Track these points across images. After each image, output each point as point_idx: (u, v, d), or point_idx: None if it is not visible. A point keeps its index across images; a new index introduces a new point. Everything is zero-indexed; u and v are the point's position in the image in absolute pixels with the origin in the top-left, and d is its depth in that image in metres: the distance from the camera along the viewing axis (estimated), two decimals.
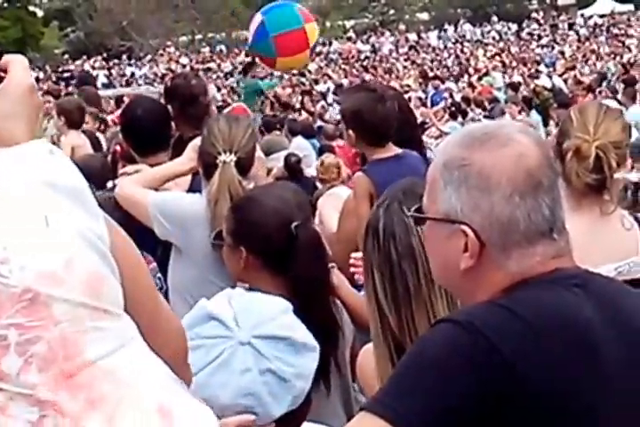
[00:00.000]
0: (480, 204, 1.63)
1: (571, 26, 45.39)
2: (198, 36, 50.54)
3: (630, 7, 52.71)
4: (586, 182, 2.92)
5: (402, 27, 50.90)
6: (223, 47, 46.66)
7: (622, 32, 38.39)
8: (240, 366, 1.83)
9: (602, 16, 47.79)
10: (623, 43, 32.30)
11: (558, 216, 1.68)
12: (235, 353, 1.84)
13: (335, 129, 12.46)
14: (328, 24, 58.53)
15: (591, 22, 46.12)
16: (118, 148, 5.29)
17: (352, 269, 3.22)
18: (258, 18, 6.39)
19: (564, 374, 1.55)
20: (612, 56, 28.47)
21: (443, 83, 24.97)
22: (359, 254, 2.86)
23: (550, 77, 23.57)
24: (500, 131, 1.69)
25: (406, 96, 23.68)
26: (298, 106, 19.40)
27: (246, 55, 21.71)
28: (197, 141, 3.74)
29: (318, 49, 44.19)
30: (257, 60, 7.48)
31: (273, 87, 17.43)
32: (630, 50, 29.45)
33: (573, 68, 24.93)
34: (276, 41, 6.16)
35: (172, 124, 4.45)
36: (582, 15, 50.08)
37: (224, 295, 2.01)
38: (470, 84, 23.47)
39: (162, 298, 1.51)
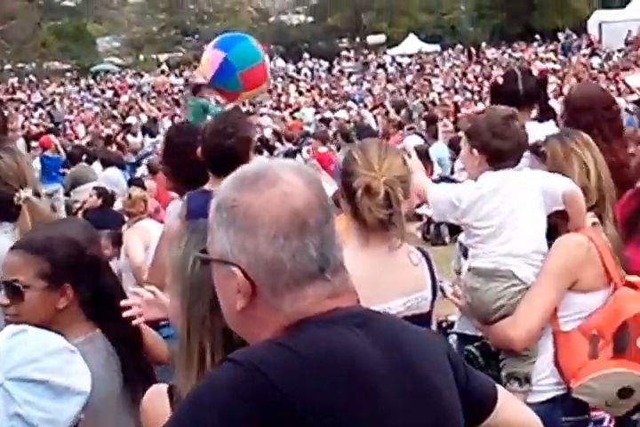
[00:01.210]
0: (247, 245, 1.62)
1: (380, 65, 46.87)
2: (7, 66, 49.29)
3: (436, 47, 55.14)
4: (378, 218, 3.00)
5: None
6: (33, 77, 45.68)
7: (429, 71, 40.07)
8: None
9: (410, 55, 49.58)
10: (429, 81, 33.69)
11: (331, 256, 1.66)
12: None
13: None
14: (142, 57, 58.33)
15: (400, 61, 47.73)
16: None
17: None
18: (218, 54, 6.43)
19: (344, 413, 1.56)
20: (419, 94, 29.61)
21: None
22: None
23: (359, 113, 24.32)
24: (270, 171, 1.67)
25: None
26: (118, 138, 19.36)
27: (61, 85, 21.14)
28: None
29: (130, 82, 43.97)
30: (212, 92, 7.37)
31: (220, 113, 17.35)
32: (433, 89, 30.75)
33: (382, 105, 25.77)
34: (242, 77, 6.29)
35: None
36: (385, 53, 51.96)
37: (4, 332, 2.01)
38: (283, 119, 23.91)
39: None
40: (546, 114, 4.61)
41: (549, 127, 4.33)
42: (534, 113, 4.44)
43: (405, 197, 3.06)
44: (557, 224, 3.50)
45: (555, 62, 34.83)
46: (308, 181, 1.67)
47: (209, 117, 16.62)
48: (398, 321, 1.90)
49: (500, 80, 4.70)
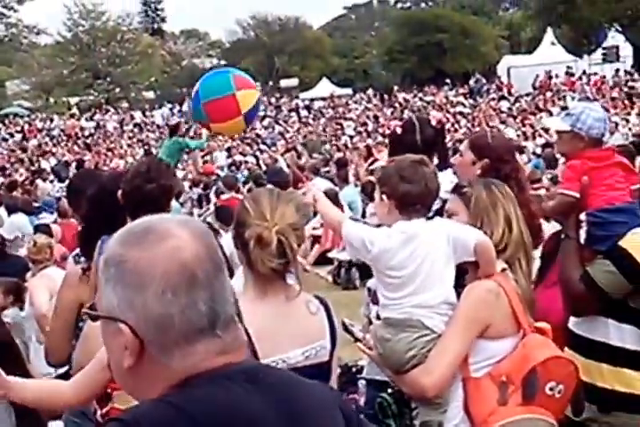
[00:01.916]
0: (134, 301, 1.59)
1: (293, 108, 47.25)
2: None
3: (349, 91, 55.89)
4: (272, 268, 2.98)
5: (127, 104, 51.02)
6: None
7: (341, 115, 40.54)
8: None
9: (322, 99, 50.10)
10: (341, 125, 34.06)
11: (222, 311, 1.64)
12: None
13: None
14: (52, 100, 57.74)
15: (312, 105, 48.18)
16: None
17: None
18: (196, 86, 6.40)
19: None
20: (331, 138, 29.91)
21: None
22: None
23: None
24: (159, 225, 1.66)
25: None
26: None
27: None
28: None
29: (40, 125, 43.38)
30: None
31: (201, 146, 17.37)
32: (345, 132, 31.07)
33: (294, 149, 25.90)
34: (205, 107, 6.20)
35: None
36: (298, 97, 52.44)
37: None
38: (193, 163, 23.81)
39: None
40: (445, 163, 4.66)
41: (448, 176, 4.37)
42: (435, 161, 4.46)
43: (300, 244, 3.06)
44: (467, 270, 3.51)
45: (465, 106, 35.56)
46: (197, 235, 1.66)
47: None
48: (290, 376, 1.87)
49: (399, 130, 4.72)
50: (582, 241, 4.02)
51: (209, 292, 1.62)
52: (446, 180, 4.11)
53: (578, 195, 3.98)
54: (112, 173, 5.26)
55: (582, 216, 4.05)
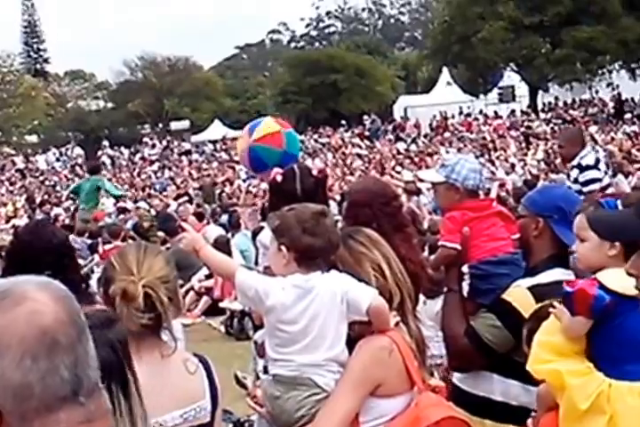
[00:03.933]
0: None
1: (184, 151, 47.15)
2: None
3: (241, 133, 55.96)
4: (141, 324, 2.94)
5: (8, 149, 50.18)
6: None
7: (233, 158, 40.60)
8: None
9: (215, 141, 50.10)
10: (234, 168, 34.08)
11: (85, 377, 1.60)
12: None
13: None
14: None
15: (204, 148, 48.17)
16: None
17: None
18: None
19: None
20: (225, 182, 29.87)
21: (51, 209, 24.86)
22: None
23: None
24: (15, 288, 1.61)
25: (10, 223, 23.39)
26: None
27: None
28: None
29: None
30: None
31: (121, 196, 17.28)
32: (239, 176, 31.10)
33: (187, 194, 25.80)
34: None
35: None
36: (188, 140, 52.42)
37: None
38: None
39: None
40: None
41: None
42: None
43: (172, 297, 3.03)
44: (361, 329, 3.52)
45: (361, 147, 36.03)
46: (57, 297, 1.61)
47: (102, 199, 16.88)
48: None
49: (279, 178, 4.75)
50: (466, 294, 4.11)
51: (72, 357, 1.57)
52: None
53: (459, 247, 4.06)
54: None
55: (465, 269, 4.13)
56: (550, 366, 3.33)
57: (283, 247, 3.50)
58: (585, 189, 8.29)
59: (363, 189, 4.53)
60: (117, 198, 18.94)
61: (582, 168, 8.34)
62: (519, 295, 3.81)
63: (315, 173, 4.74)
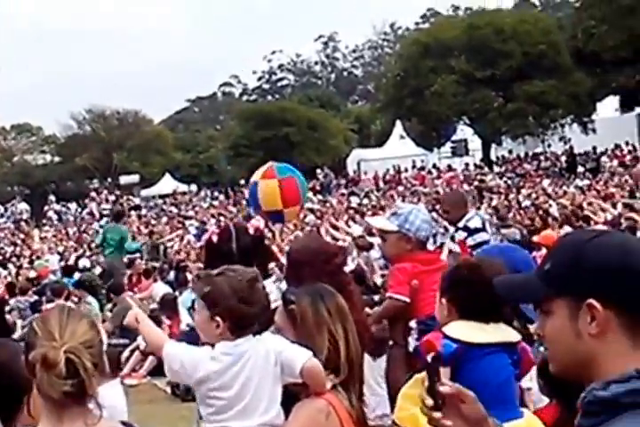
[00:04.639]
0: None
1: (133, 206, 46.96)
2: None
3: (193, 187, 56.03)
4: (63, 391, 2.82)
5: None
6: None
7: (184, 212, 40.53)
8: None
9: (164, 196, 50.01)
10: (183, 224, 33.98)
11: None
12: None
13: None
14: None
15: (154, 202, 48.06)
16: None
17: None
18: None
19: None
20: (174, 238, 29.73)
21: None
22: None
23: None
24: None
25: None
26: None
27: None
28: None
29: None
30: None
31: (133, 250, 17.86)
32: (189, 231, 30.98)
33: (137, 250, 25.66)
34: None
35: None
36: (138, 194, 52.28)
37: None
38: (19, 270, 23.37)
39: None
40: (264, 271, 4.69)
41: (269, 286, 4.41)
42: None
43: (97, 363, 2.93)
44: (297, 390, 3.50)
45: (313, 202, 36.10)
46: None
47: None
48: None
49: (215, 238, 4.74)
50: (412, 349, 4.08)
51: None
52: (267, 287, 4.15)
53: (408, 299, 4.05)
54: None
55: (412, 324, 4.11)
56: (409, 412, 3.37)
57: (217, 318, 3.46)
58: (474, 253, 8.36)
59: (303, 248, 4.53)
60: (132, 253, 18.92)
61: (471, 231, 8.39)
62: None
63: (251, 231, 4.73)
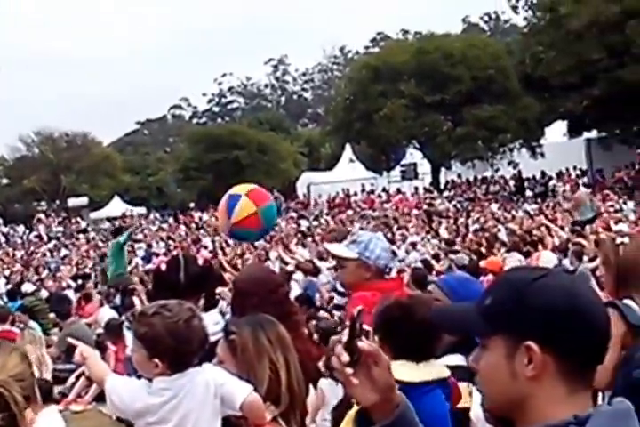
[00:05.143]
0: None
1: (81, 229, 46.62)
2: None
3: (142, 210, 55.69)
4: None
5: None
6: None
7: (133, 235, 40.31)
8: None
9: (113, 219, 49.68)
10: (132, 246, 33.73)
11: None
12: None
13: None
14: None
15: (103, 225, 47.74)
16: None
17: None
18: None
19: None
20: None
21: None
22: None
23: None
24: None
25: None
26: None
27: None
28: None
29: None
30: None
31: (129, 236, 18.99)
32: (137, 254, 30.77)
33: (85, 275, 25.51)
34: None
35: None
36: (85, 217, 51.85)
37: None
38: None
39: None
40: (211, 302, 4.67)
41: (214, 317, 4.38)
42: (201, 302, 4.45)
43: (29, 396, 2.95)
44: (238, 422, 3.49)
45: None
46: None
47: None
48: None
49: (163, 266, 4.71)
50: None
51: None
52: (211, 321, 4.12)
53: (370, 329, 4.05)
54: None
55: None
56: None
57: (155, 359, 3.46)
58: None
59: (248, 278, 4.51)
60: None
61: None
62: None
63: (200, 262, 4.71)
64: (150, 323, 3.51)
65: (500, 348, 1.94)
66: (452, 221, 28.54)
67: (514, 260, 14.85)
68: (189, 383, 3.44)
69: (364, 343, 2.14)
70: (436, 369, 3.54)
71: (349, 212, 38.51)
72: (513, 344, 1.91)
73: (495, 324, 1.94)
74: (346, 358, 2.11)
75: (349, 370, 2.12)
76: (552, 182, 38.54)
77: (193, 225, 41.46)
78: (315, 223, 35.06)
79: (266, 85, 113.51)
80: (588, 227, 18.02)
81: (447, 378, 3.57)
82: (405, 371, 3.33)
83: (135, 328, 3.57)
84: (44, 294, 20.90)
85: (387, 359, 2.18)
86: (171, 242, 33.67)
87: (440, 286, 4.13)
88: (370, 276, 4.22)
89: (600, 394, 4.16)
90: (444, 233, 25.36)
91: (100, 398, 13.30)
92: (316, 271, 15.22)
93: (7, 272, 29.15)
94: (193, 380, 3.45)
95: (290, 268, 14.59)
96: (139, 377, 3.61)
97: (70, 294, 19.75)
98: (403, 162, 47.53)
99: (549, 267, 4.83)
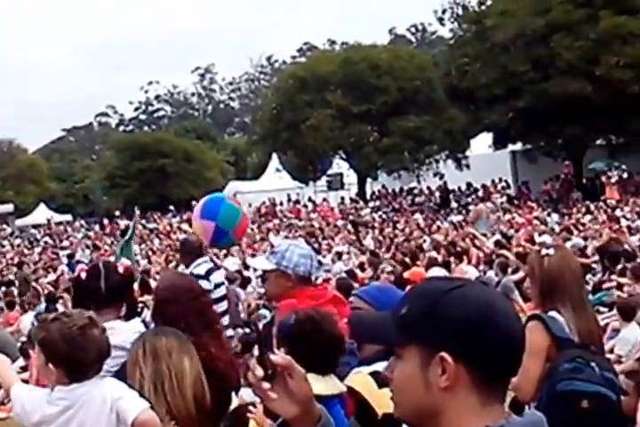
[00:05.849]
0: None
1: (6, 236, 45.93)
2: None
3: (68, 217, 55.02)
4: None
5: None
6: None
7: (57, 243, 39.79)
8: None
9: (38, 226, 49.03)
10: (57, 254, 33.30)
11: None
12: None
13: None
14: None
15: (28, 232, 47.05)
16: None
17: None
18: (209, 224, 7.88)
19: None
20: (48, 269, 29.09)
21: None
22: None
23: None
24: None
25: None
26: None
27: None
28: None
29: None
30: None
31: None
32: (62, 262, 30.36)
33: (10, 282, 25.10)
34: (234, 233, 8.07)
35: None
36: (11, 223, 51.04)
37: None
38: None
39: None
40: (132, 312, 4.64)
41: (136, 326, 4.34)
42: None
43: None
44: None
45: (186, 233, 35.84)
46: None
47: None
48: None
49: (83, 275, 4.66)
50: None
51: None
52: (133, 330, 4.09)
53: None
54: None
55: None
56: None
57: (50, 365, 3.46)
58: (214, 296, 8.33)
59: (169, 286, 4.48)
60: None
61: (195, 277, 8.24)
62: (360, 381, 3.77)
63: (121, 270, 4.66)
64: (48, 328, 3.51)
65: (414, 358, 1.91)
66: (377, 231, 28.67)
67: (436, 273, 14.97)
68: (86, 395, 3.43)
69: (276, 356, 2.12)
70: (337, 383, 3.55)
71: (275, 221, 38.49)
72: (427, 355, 1.89)
73: (409, 333, 1.92)
74: (260, 372, 2.09)
75: (266, 384, 2.10)
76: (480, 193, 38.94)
77: (118, 233, 41.01)
78: None
79: (192, 94, 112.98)
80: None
81: (344, 393, 3.58)
82: (315, 384, 3.34)
83: (34, 333, 3.60)
84: None
85: (302, 371, 2.16)
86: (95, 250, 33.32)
87: (361, 296, 4.14)
88: (292, 284, 4.23)
89: (526, 407, 4.22)
90: (369, 244, 25.50)
91: None
92: (244, 281, 15.22)
93: None
94: (90, 391, 3.44)
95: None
96: None
97: None
98: (329, 172, 47.65)
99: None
